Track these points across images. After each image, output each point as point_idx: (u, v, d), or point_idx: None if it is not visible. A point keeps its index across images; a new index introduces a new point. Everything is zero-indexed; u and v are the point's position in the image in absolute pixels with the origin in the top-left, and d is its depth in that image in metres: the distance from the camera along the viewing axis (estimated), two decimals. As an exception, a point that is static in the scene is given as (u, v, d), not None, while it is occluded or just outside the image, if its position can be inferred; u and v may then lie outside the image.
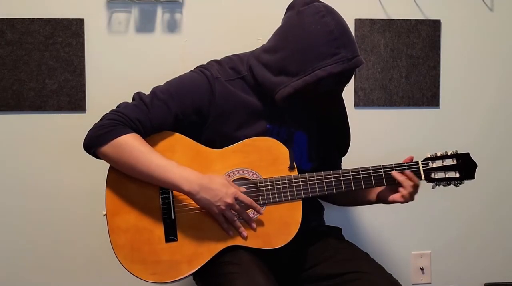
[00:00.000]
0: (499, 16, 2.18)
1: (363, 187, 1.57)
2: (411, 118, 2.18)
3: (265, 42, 1.61)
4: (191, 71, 1.62)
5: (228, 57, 1.65)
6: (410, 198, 1.57)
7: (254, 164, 1.55)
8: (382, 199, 1.64)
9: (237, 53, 1.67)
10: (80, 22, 2.02)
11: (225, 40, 2.05)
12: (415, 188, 1.57)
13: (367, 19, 2.12)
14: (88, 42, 2.03)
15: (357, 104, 2.14)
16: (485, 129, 2.21)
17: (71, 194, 2.06)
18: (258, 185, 1.54)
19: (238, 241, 1.51)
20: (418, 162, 1.60)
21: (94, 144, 1.49)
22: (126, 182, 1.52)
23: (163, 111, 1.52)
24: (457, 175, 1.60)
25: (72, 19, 2.01)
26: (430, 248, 2.23)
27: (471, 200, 2.21)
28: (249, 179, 1.55)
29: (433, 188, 1.62)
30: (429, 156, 1.61)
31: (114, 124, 1.48)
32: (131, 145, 1.47)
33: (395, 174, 1.56)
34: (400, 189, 1.57)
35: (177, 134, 1.55)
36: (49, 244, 2.06)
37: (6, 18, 1.99)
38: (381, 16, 2.13)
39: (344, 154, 1.75)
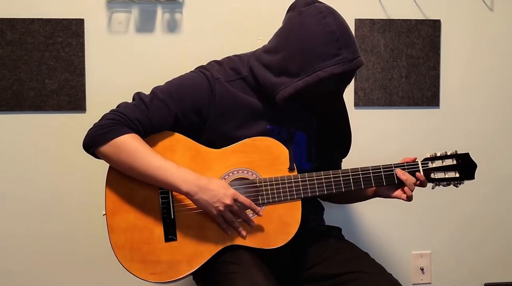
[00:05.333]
0: (499, 16, 2.18)
1: (363, 187, 1.57)
2: (411, 118, 2.18)
3: (265, 42, 1.61)
4: (191, 71, 1.62)
5: (228, 57, 1.65)
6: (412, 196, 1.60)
7: (254, 163, 1.55)
8: (381, 195, 1.65)
9: (237, 53, 1.67)
10: (80, 22, 2.02)
11: (225, 40, 2.05)
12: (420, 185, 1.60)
13: (367, 19, 2.12)
14: (88, 42, 2.03)
15: (357, 104, 2.14)
16: (485, 129, 2.21)
17: (71, 193, 2.06)
18: (258, 184, 1.54)
19: (238, 241, 1.51)
20: (417, 162, 1.60)
21: (93, 143, 1.49)
22: (125, 181, 1.52)
23: (163, 112, 1.52)
24: (457, 175, 1.60)
25: (72, 19, 2.01)
26: (430, 248, 2.23)
27: (471, 200, 2.22)
28: (249, 179, 1.55)
29: (433, 188, 1.63)
30: (428, 156, 1.61)
31: (113, 124, 1.48)
32: (130, 145, 1.47)
33: (399, 174, 1.57)
34: (406, 189, 1.58)
35: (177, 135, 1.55)
36: (49, 243, 2.07)
37: (6, 18, 1.99)
38: (381, 16, 2.13)
39: (346, 154, 1.75)
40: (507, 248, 2.25)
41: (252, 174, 1.55)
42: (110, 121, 1.49)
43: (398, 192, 1.61)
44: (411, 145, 2.15)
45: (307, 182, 1.55)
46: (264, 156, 1.55)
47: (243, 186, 1.54)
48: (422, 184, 1.60)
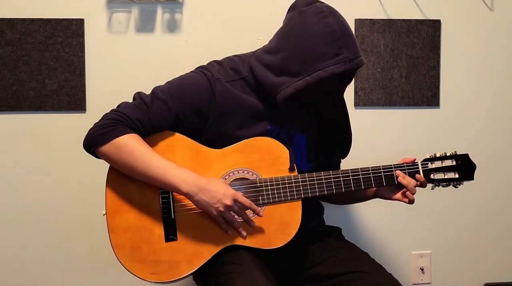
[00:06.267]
0: (499, 16, 2.18)
1: (363, 187, 1.58)
2: (411, 118, 2.18)
3: (265, 42, 1.61)
4: (191, 71, 1.62)
5: (228, 57, 1.65)
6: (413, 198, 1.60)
7: (254, 164, 1.55)
8: (381, 196, 1.65)
9: (238, 53, 1.67)
10: (80, 22, 2.02)
11: (225, 40, 2.05)
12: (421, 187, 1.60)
13: (367, 19, 2.12)
14: (88, 42, 2.03)
15: (357, 104, 2.14)
16: (484, 129, 2.21)
17: (71, 193, 2.06)
18: (258, 185, 1.54)
19: (238, 241, 1.51)
20: (417, 162, 1.61)
21: (93, 143, 1.49)
22: (126, 181, 1.52)
23: (163, 112, 1.52)
24: (456, 176, 1.60)
25: (72, 19, 2.01)
26: (430, 248, 2.23)
27: (471, 200, 2.22)
28: (249, 179, 1.55)
29: (432, 189, 1.63)
30: (428, 157, 1.61)
31: (114, 124, 1.48)
32: (130, 145, 1.47)
33: (400, 179, 1.57)
34: (407, 193, 1.58)
35: (177, 135, 1.55)
36: (49, 243, 2.07)
37: (6, 18, 1.99)
38: (381, 16, 2.13)
39: (346, 155, 1.75)
40: (507, 248, 2.25)
41: (252, 174, 1.55)
42: (111, 121, 1.48)
43: (399, 195, 1.61)
44: (411, 145, 2.15)
45: (308, 182, 1.55)
46: (265, 156, 1.55)
47: (244, 186, 1.54)
48: (422, 185, 1.60)
